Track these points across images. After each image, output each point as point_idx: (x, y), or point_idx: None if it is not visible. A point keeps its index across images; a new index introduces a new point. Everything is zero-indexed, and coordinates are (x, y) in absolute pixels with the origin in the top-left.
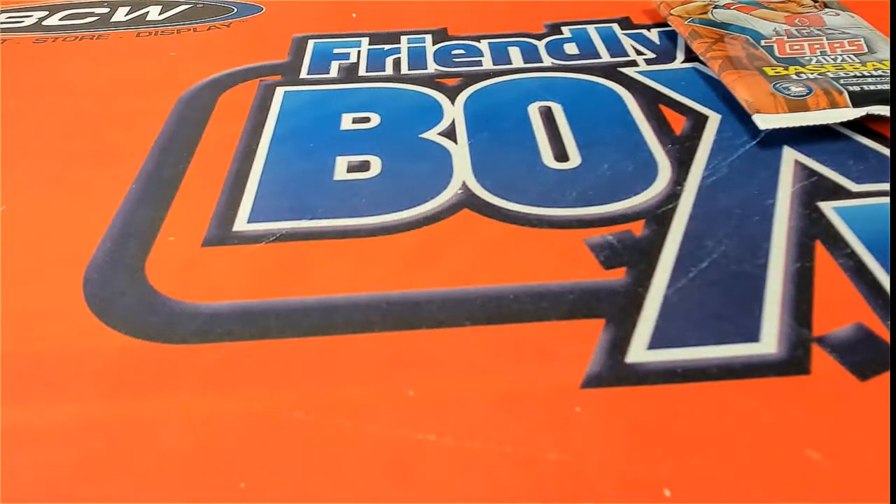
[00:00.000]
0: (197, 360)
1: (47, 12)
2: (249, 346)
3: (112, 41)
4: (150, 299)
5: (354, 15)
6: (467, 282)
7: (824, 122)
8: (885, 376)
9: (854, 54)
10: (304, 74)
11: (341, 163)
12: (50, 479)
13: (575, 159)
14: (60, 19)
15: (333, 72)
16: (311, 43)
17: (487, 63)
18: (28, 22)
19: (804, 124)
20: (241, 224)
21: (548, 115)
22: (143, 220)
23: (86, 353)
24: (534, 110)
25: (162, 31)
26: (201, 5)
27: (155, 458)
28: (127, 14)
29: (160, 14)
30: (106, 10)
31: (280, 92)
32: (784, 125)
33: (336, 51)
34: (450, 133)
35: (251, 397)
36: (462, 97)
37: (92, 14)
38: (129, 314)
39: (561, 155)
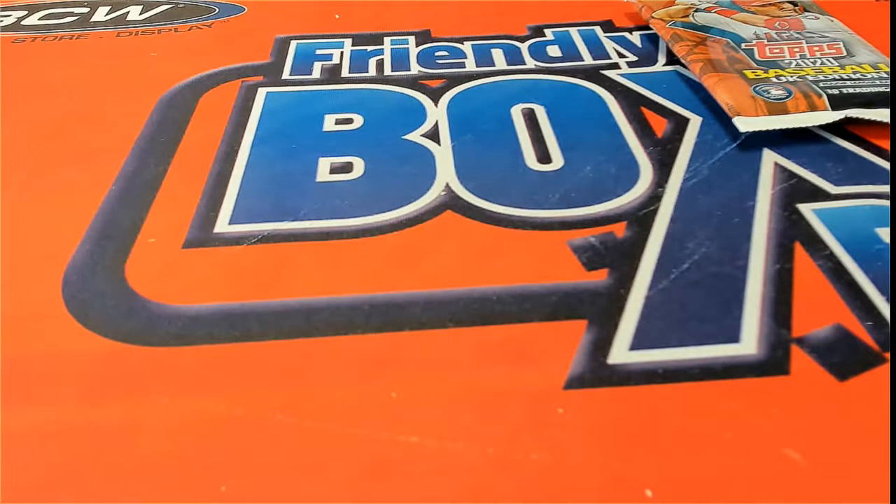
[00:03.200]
0: (177, 362)
1: (26, 12)
2: (230, 348)
3: (92, 41)
4: (129, 301)
5: (337, 16)
6: (450, 283)
7: (803, 125)
8: (864, 377)
9: (833, 58)
10: (286, 75)
11: (324, 164)
12: (29, 483)
13: (558, 161)
14: (40, 19)
15: (316, 73)
16: (293, 44)
17: (471, 65)
18: (7, 21)
19: (784, 127)
20: (222, 226)
21: (531, 117)
22: (123, 221)
23: (65, 356)
24: (517, 112)
25: (142, 31)
26: (182, 5)
27: (134, 462)
28: (107, 14)
29: (141, 14)
30: (86, 9)
31: (262, 93)
32: (764, 128)
33: (319, 52)
34: (433, 135)
35: (232, 400)
36: (445, 99)
37: (72, 14)
38: (109, 316)
39: (544, 157)
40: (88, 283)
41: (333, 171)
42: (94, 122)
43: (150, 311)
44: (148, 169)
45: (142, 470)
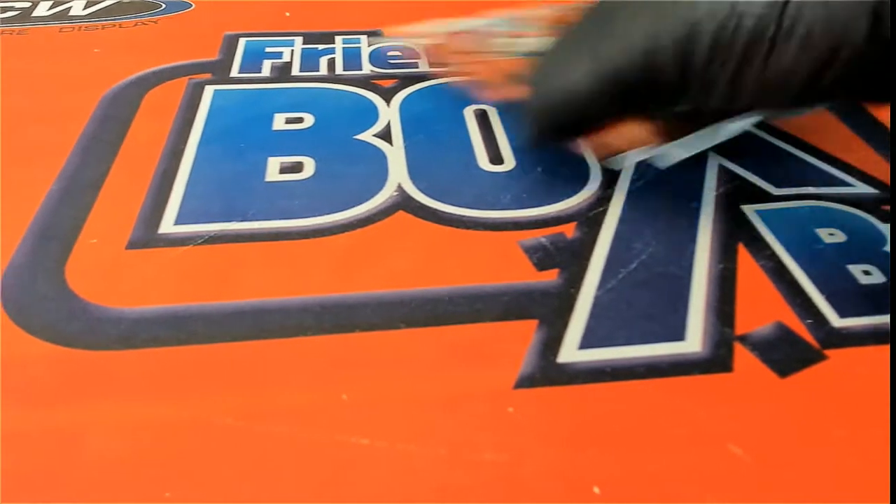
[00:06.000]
0: (121, 366)
1: None
2: (176, 351)
3: (33, 36)
4: (70, 304)
5: (288, 14)
6: (402, 284)
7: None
8: (804, 373)
9: None
10: (234, 73)
11: (273, 164)
12: None
13: (509, 162)
14: None
15: (266, 71)
16: (242, 41)
17: (423, 65)
18: None
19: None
20: (167, 226)
21: (483, 118)
22: (64, 221)
23: (3, 361)
24: (469, 113)
25: (86, 26)
26: (127, 0)
27: (77, 469)
28: (49, 8)
29: (84, 9)
30: (27, 4)
31: (210, 90)
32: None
33: (268, 49)
34: (385, 135)
35: (179, 404)
36: (398, 99)
37: (12, 8)
38: (50, 320)
39: (496, 157)
40: (28, 286)
41: (283, 170)
42: (35, 120)
43: (91, 313)
44: (90, 168)
45: (85, 476)
